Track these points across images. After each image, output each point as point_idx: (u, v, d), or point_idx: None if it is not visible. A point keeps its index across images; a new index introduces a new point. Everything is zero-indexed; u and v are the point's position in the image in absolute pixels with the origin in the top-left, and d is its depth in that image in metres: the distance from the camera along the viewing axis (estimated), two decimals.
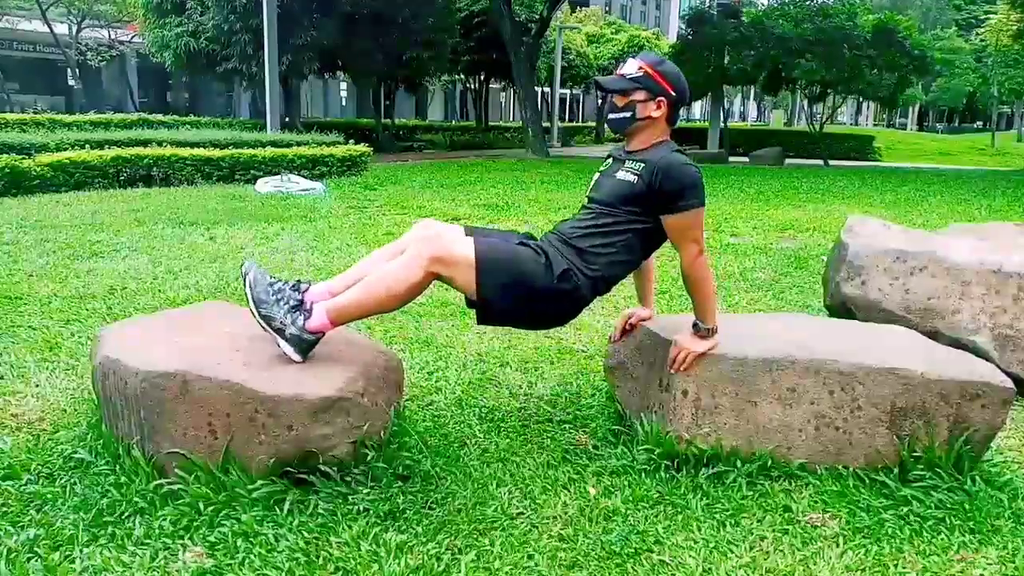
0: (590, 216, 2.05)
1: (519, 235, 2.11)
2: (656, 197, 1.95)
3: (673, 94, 2.00)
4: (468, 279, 1.88)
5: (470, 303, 2.01)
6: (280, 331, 1.85)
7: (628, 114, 2.01)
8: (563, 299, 1.96)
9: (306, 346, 1.87)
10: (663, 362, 2.07)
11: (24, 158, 8.11)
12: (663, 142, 2.03)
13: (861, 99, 23.71)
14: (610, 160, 2.15)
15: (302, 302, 1.89)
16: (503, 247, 1.94)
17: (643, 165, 1.97)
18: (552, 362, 2.95)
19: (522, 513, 1.84)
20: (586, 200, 2.13)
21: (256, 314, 1.86)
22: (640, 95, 1.99)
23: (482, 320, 2.01)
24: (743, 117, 52.88)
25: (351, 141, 11.71)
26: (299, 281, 1.98)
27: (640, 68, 1.99)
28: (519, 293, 1.91)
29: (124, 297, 3.74)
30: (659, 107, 2.00)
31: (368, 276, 1.92)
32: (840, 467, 2.00)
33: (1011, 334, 2.70)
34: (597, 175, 2.16)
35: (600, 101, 35.06)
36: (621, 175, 2.01)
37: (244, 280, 1.90)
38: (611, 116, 2.05)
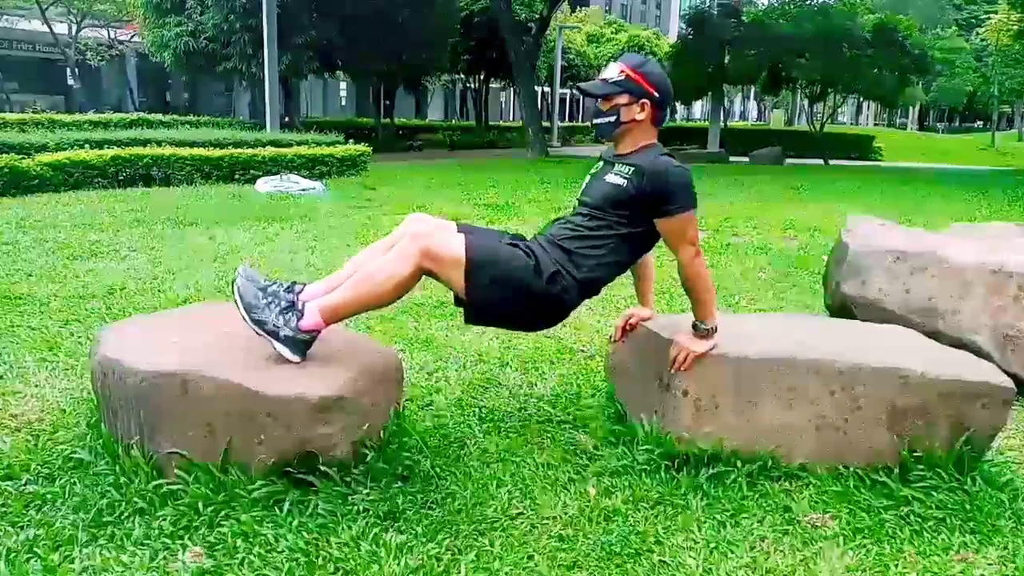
0: (580, 219, 2.04)
1: (509, 235, 2.10)
2: (647, 201, 1.94)
3: (656, 95, 1.99)
4: (457, 277, 1.87)
5: (458, 301, 2.00)
6: (274, 333, 1.85)
7: (612, 118, 2.00)
8: (551, 301, 1.96)
9: (302, 346, 1.87)
10: (663, 362, 2.07)
11: (23, 158, 8.11)
12: (651, 145, 2.02)
13: (861, 99, 23.73)
14: (601, 162, 2.14)
15: (294, 303, 1.89)
16: (493, 247, 1.94)
17: (632, 169, 1.96)
18: (552, 362, 2.95)
19: (522, 513, 1.84)
20: (577, 203, 2.13)
21: (247, 319, 1.85)
22: (623, 98, 1.98)
23: (469, 319, 2.01)
24: (743, 117, 52.86)
25: (351, 141, 11.70)
26: (294, 283, 1.98)
27: (621, 71, 1.98)
28: (507, 294, 1.91)
29: (123, 297, 3.74)
30: (643, 109, 1.98)
31: (360, 273, 1.92)
32: (840, 467, 2.00)
33: (1012, 334, 2.70)
34: (588, 177, 2.15)
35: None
36: (611, 178, 2.00)
37: (233, 287, 1.89)
38: (596, 121, 2.05)
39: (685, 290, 2.02)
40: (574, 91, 37.81)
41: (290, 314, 1.85)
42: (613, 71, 2.00)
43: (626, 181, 1.96)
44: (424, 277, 1.93)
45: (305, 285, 1.99)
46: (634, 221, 1.98)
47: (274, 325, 1.84)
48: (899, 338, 2.23)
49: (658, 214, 1.95)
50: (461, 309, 2.03)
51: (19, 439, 2.13)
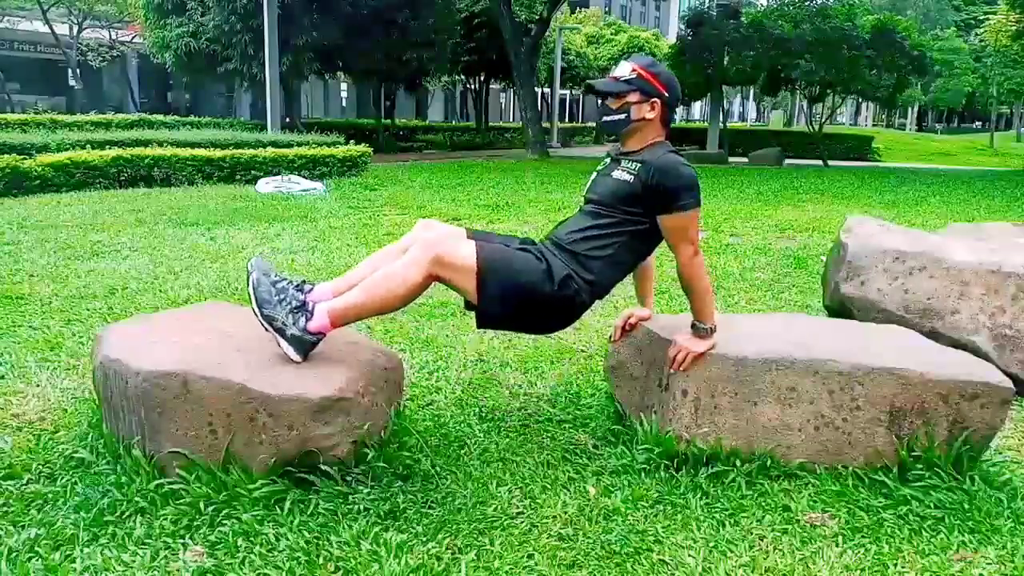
0: (587, 217, 2.05)
1: (519, 240, 2.11)
2: (652, 197, 1.95)
3: (666, 95, 2.01)
4: (469, 283, 1.89)
5: (469, 306, 2.02)
6: (281, 331, 1.86)
7: (623, 116, 2.01)
8: (563, 305, 1.97)
9: (307, 347, 1.88)
10: (663, 362, 2.08)
11: (25, 158, 8.12)
12: (659, 142, 2.04)
13: (860, 100, 23.71)
14: (608, 160, 2.15)
15: (304, 303, 1.90)
16: (505, 253, 1.95)
17: (640, 165, 1.98)
18: (552, 362, 2.96)
19: (522, 512, 1.85)
20: (583, 200, 2.14)
21: (258, 314, 1.87)
22: (634, 97, 2.00)
23: (481, 324, 2.02)
24: (742, 118, 52.87)
25: (351, 141, 11.72)
26: (303, 281, 1.98)
27: (633, 70, 2.00)
28: (520, 299, 1.92)
29: (125, 297, 3.75)
30: (653, 108, 2.01)
31: (371, 278, 1.92)
32: (839, 467, 2.00)
33: (1010, 334, 2.71)
34: (594, 174, 2.16)
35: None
36: (618, 175, 2.02)
37: (248, 279, 1.90)
38: (605, 119, 2.05)
39: (684, 290, 2.03)
40: (574, 92, 37.86)
41: (300, 314, 1.87)
42: (625, 70, 2.02)
43: (633, 176, 1.97)
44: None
45: (314, 285, 2.00)
46: (640, 218, 1.99)
47: (283, 323, 1.85)
48: (898, 338, 2.23)
49: (661, 210, 1.96)
50: (471, 313, 2.04)
51: (21, 439, 2.14)
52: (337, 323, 1.90)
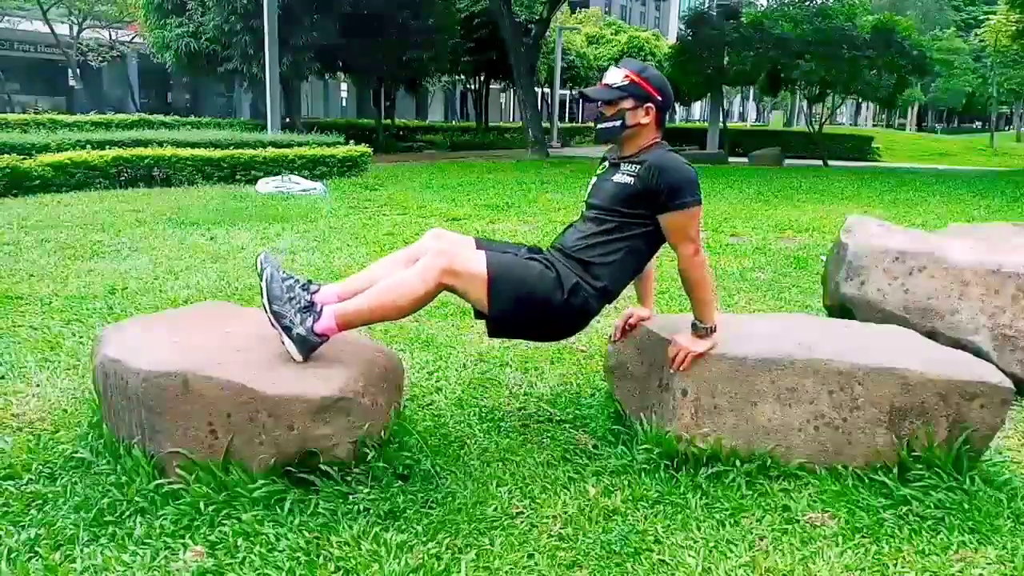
0: (591, 224, 2.05)
1: (527, 248, 2.12)
2: (654, 196, 1.96)
3: (660, 99, 2.02)
4: (480, 293, 1.90)
5: (479, 315, 2.02)
6: (287, 329, 1.86)
7: (618, 123, 2.02)
8: (573, 313, 1.99)
9: (310, 347, 1.88)
10: (662, 362, 2.08)
11: (25, 158, 8.12)
12: (657, 143, 2.05)
13: (860, 100, 23.70)
14: (606, 164, 2.15)
15: (312, 303, 1.90)
16: (515, 262, 1.95)
17: (639, 166, 1.98)
18: (552, 362, 2.96)
19: (522, 512, 1.85)
20: (584, 207, 2.14)
21: (268, 309, 1.87)
22: (628, 103, 2.00)
23: (492, 333, 2.04)
24: (742, 118, 52.87)
25: (351, 142, 11.72)
26: (309, 281, 1.99)
27: (626, 76, 2.00)
28: (531, 308, 1.93)
29: (125, 297, 3.75)
30: (647, 113, 2.01)
31: (378, 284, 1.93)
32: (839, 467, 2.00)
33: (1010, 334, 2.71)
34: (593, 179, 2.16)
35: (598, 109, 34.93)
36: (619, 178, 2.02)
37: (260, 273, 1.91)
38: (601, 126, 2.06)
39: (685, 288, 2.03)
40: (574, 93, 37.85)
41: (308, 314, 1.87)
42: (617, 76, 2.02)
43: (633, 178, 1.98)
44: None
45: (320, 286, 2.00)
46: (644, 220, 1.99)
47: (290, 321, 1.86)
48: (898, 338, 2.23)
49: (662, 209, 1.96)
50: (478, 318, 2.05)
51: (21, 438, 2.14)
52: (343, 327, 1.90)
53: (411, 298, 1.88)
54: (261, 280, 1.89)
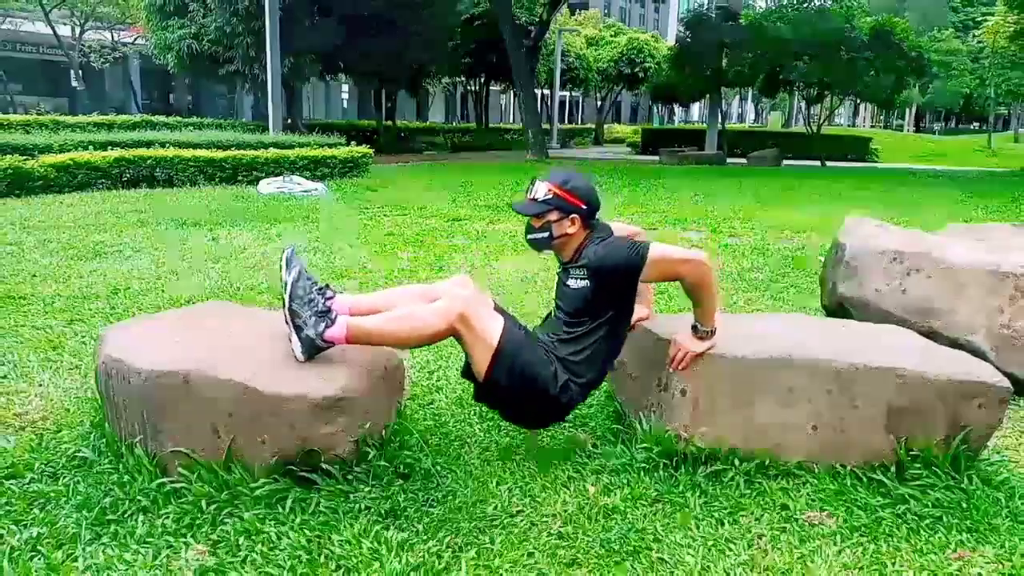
0: (563, 324, 2.07)
1: (523, 324, 2.12)
2: (615, 281, 1.97)
3: (584, 208, 2.03)
4: (483, 355, 1.92)
5: (467, 374, 2.05)
6: (299, 328, 1.88)
7: (545, 235, 2.05)
8: (560, 407, 2.02)
9: (315, 351, 1.90)
10: (662, 362, 2.09)
11: (28, 159, 8.15)
12: (587, 239, 2.05)
13: (858, 101, 23.73)
14: (559, 269, 2.16)
15: (329, 310, 1.93)
16: (525, 342, 1.97)
17: (585, 269, 2.00)
18: None
19: (522, 511, 1.86)
20: (554, 307, 2.16)
21: (287, 305, 1.89)
22: (553, 215, 2.02)
23: (479, 397, 2.07)
24: (741, 119, 52.91)
25: (352, 143, 11.75)
26: (326, 286, 2.01)
27: (549, 190, 2.02)
28: (525, 390, 1.95)
29: (127, 297, 3.76)
30: (573, 223, 2.03)
31: (397, 311, 1.96)
32: (838, 466, 2.01)
33: (1008, 334, 2.72)
34: (557, 277, 2.17)
35: (602, 103, 34.99)
36: (573, 283, 2.04)
37: (285, 267, 1.92)
38: (530, 237, 2.09)
39: (691, 295, 2.01)
40: (573, 94, 37.90)
41: (323, 320, 1.89)
42: (541, 190, 2.04)
43: (586, 280, 2.00)
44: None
45: (336, 293, 2.02)
46: (610, 308, 2.01)
47: (304, 321, 1.88)
48: (896, 338, 2.24)
49: (633, 278, 1.96)
50: (468, 381, 2.07)
51: (23, 438, 2.15)
52: (351, 340, 1.92)
53: (424, 332, 1.90)
54: (287, 275, 1.91)
